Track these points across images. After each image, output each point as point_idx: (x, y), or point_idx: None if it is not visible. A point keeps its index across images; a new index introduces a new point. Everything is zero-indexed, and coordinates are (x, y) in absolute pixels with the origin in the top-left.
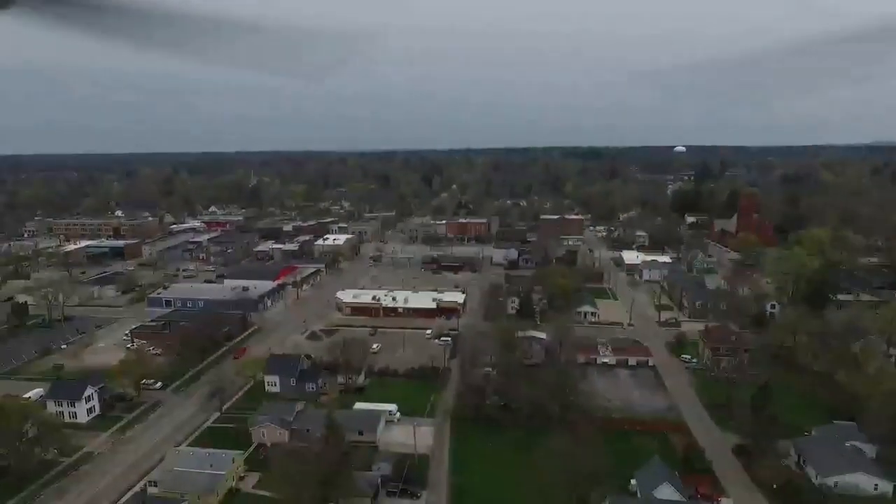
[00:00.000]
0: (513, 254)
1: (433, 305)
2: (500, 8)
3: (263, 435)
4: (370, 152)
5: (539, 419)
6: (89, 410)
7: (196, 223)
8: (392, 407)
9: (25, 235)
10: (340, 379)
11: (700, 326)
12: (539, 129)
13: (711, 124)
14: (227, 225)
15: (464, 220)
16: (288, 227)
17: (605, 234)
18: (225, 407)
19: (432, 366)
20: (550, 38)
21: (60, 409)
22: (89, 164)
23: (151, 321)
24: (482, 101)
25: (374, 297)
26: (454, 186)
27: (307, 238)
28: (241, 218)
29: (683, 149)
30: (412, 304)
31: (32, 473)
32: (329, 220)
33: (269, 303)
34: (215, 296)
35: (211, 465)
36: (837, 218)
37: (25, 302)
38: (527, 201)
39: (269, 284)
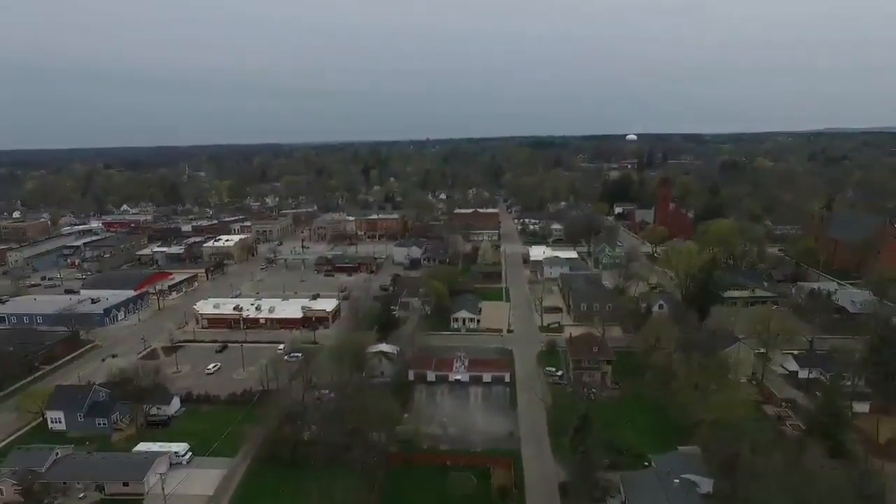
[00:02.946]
0: (415, 252)
1: (300, 315)
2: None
3: (2, 492)
4: (324, 144)
5: (354, 455)
6: None
7: (95, 224)
8: (181, 447)
9: None
10: (150, 410)
11: (582, 331)
12: (502, 120)
13: (669, 112)
14: (133, 225)
15: (374, 217)
16: (186, 227)
17: (520, 227)
18: None
19: (261, 389)
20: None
21: None
22: (27, 161)
23: None
24: (447, 94)
25: (235, 307)
26: (392, 179)
27: (197, 240)
28: (151, 217)
29: (635, 137)
30: (277, 314)
31: None
32: (236, 217)
33: (120, 315)
34: (57, 309)
35: None
36: (759, 206)
37: None
38: (461, 193)
39: (126, 294)
